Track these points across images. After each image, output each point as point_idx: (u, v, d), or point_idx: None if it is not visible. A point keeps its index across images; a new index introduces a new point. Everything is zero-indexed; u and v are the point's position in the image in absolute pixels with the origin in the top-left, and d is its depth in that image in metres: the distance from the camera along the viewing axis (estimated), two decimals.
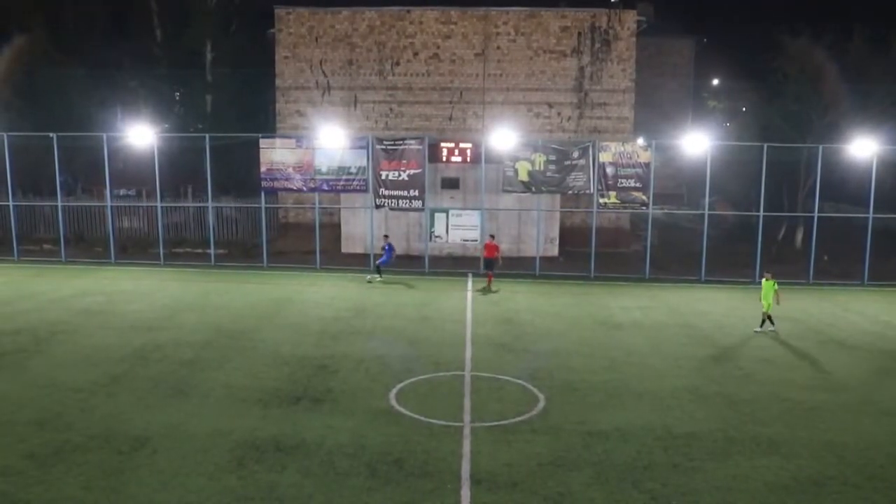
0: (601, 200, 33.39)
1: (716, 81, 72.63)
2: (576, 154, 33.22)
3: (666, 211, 41.03)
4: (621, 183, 33.12)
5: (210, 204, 35.24)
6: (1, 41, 43.85)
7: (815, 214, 33.09)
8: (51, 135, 34.47)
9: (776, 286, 23.91)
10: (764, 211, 33.02)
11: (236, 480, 13.34)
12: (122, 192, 42.00)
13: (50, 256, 35.70)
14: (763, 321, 24.15)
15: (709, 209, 33.74)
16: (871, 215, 32.73)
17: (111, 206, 35.90)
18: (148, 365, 19.85)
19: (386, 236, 32.94)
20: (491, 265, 30.75)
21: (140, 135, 35.23)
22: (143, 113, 42.95)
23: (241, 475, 13.53)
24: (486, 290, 29.95)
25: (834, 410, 17.40)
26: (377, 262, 31.60)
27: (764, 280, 24.47)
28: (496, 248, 30.92)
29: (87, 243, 37.36)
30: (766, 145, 32.82)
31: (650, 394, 18.13)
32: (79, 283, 30.33)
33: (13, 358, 20.43)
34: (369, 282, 30.80)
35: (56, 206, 35.80)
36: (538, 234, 34.46)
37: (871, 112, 36.98)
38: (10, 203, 35.79)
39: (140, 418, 16.09)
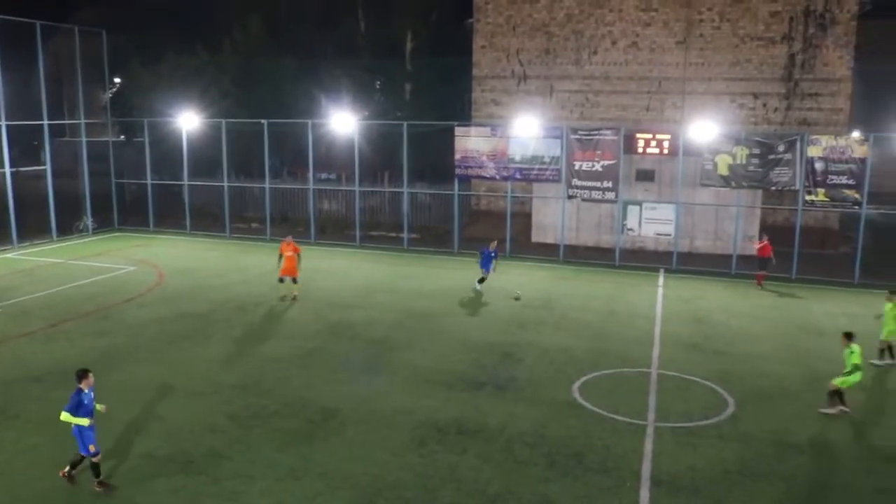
0: (808, 198, 31.27)
1: None
2: (781, 147, 31.29)
3: (882, 211, 37.87)
4: (831, 179, 30.85)
5: (405, 189, 36.27)
6: (222, 35, 47.32)
7: None
8: (262, 121, 36.82)
9: None
10: None
11: (417, 458, 13.69)
12: (324, 175, 44.14)
13: (257, 234, 38.25)
14: (882, 352, 19.93)
15: None
16: None
17: (313, 189, 37.89)
18: (340, 341, 20.80)
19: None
20: (765, 265, 29.44)
21: (342, 122, 36.87)
22: (346, 101, 44.84)
23: (422, 454, 13.87)
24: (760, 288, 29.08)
25: None
26: (484, 268, 27.04)
27: (887, 302, 20.09)
28: (769, 248, 29.54)
29: (290, 223, 39.59)
30: None
31: (853, 408, 16.73)
32: None
33: (222, 325, 22.10)
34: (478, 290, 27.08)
35: (264, 188, 38.27)
36: (736, 231, 32.84)
37: None
38: (225, 184, 38.65)
39: (331, 391, 16.90)
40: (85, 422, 12.30)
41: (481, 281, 27.03)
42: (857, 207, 31.15)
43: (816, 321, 24.36)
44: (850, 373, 16.34)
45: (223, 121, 38.21)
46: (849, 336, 16.74)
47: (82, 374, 12.57)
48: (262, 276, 28.69)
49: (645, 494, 12.62)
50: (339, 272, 30.25)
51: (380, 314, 23.73)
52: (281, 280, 25.38)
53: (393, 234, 37.94)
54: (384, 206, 40.84)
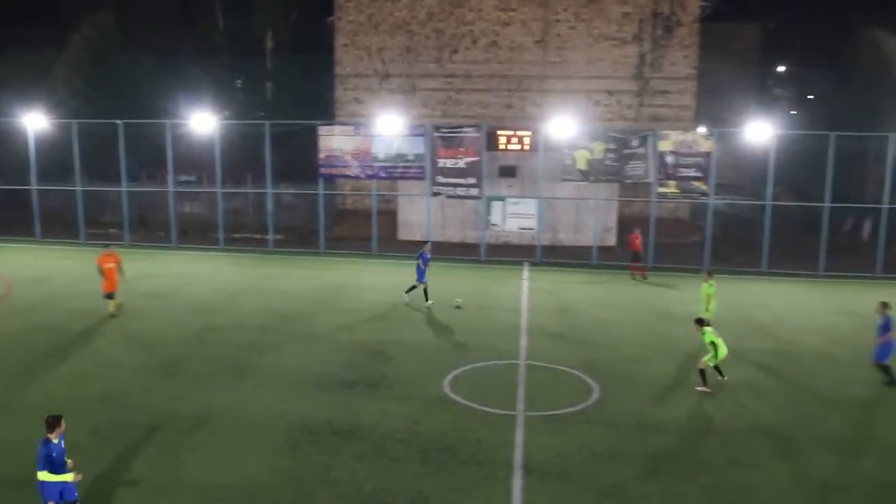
0: (660, 190, 32.87)
1: (782, 68, 70.70)
2: (635, 143, 32.72)
3: (727, 201, 40.17)
4: (681, 172, 32.53)
5: (269, 190, 35.64)
6: (71, 30, 45.01)
7: (885, 206, 32.04)
8: (117, 122, 35.27)
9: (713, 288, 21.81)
10: (830, 202, 32.09)
11: (291, 462, 13.53)
12: (185, 177, 42.71)
13: (114, 240, 36.49)
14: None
15: (772, 199, 32.87)
16: None
17: (173, 192, 36.61)
18: (207, 347, 20.24)
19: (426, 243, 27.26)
20: (638, 257, 30.48)
21: (202, 122, 35.80)
22: (205, 100, 43.58)
23: (295, 457, 13.71)
24: (639, 280, 30.07)
25: None
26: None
27: (704, 283, 22.12)
28: (640, 240, 30.66)
29: (150, 228, 38.15)
30: (833, 134, 31.85)
31: (696, 383, 17.73)
32: (141, 266, 30.93)
33: (80, 337, 21.04)
34: (407, 304, 25.06)
35: (121, 192, 36.65)
36: (596, 224, 34.09)
37: None
38: (78, 188, 36.72)
39: (199, 399, 16.43)
40: (69, 477, 10.72)
41: (411, 289, 25.12)
42: (705, 198, 32.98)
43: (671, 307, 25.64)
44: (714, 352, 17.40)
45: (74, 121, 36.31)
46: (700, 322, 17.93)
47: (54, 422, 10.72)
48: (122, 283, 27.43)
49: (518, 483, 12.92)
50: (204, 276, 29.42)
51: (247, 317, 23.25)
52: (109, 296, 23.13)
53: (258, 236, 37.21)
54: (248, 207, 39.99)
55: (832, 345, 21.77)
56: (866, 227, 38.30)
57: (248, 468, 13.29)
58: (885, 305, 18.41)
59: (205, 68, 48.04)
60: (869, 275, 31.30)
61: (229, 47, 48.85)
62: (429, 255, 25.48)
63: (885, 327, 18.17)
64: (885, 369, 18.19)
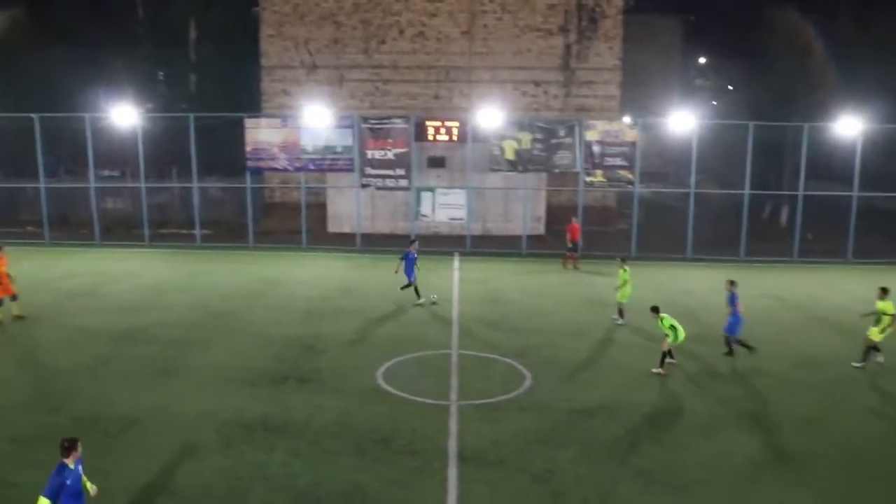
0: (587, 179, 33.42)
1: (703, 60, 72.49)
2: (562, 132, 33.16)
3: (653, 190, 41.08)
4: (608, 161, 33.13)
5: (195, 184, 34.99)
6: None
7: (801, 192, 33.24)
8: (32, 116, 34.11)
9: (627, 273, 22.50)
10: (750, 189, 33.11)
11: (225, 460, 13.37)
12: (107, 173, 41.61)
13: (34, 239, 35.42)
14: (621, 312, 22.57)
15: (695, 187, 33.74)
16: (855, 193, 32.87)
17: (95, 188, 35.62)
18: (135, 346, 19.81)
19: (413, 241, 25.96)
20: (576, 247, 30.80)
21: (123, 115, 34.90)
22: (127, 93, 42.45)
23: (229, 455, 13.56)
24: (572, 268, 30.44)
25: (817, 386, 17.57)
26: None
27: (620, 268, 22.79)
28: (579, 229, 30.90)
29: (72, 225, 37.09)
30: (751, 123, 32.85)
31: (636, 371, 18.24)
32: (64, 264, 30.15)
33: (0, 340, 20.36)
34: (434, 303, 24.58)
35: (39, 188, 35.48)
36: (525, 213, 34.46)
37: (857, 90, 37.02)
38: None
39: (127, 400, 16.07)
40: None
41: (406, 287, 24.45)
42: (630, 187, 33.65)
43: (600, 294, 26.12)
44: (674, 335, 18.05)
45: None
46: (655, 310, 18.46)
47: (70, 446, 9.73)
48: (44, 282, 26.68)
49: (453, 471, 13.03)
50: (129, 274, 28.75)
51: (175, 315, 22.83)
52: (13, 298, 21.89)
53: (185, 231, 36.56)
54: (174, 202, 39.19)
55: (754, 327, 22.44)
56: (784, 214, 39.67)
57: (181, 468, 13.08)
58: (731, 283, 19.75)
59: (126, 60, 46.80)
60: (787, 259, 32.47)
61: (151, 38, 47.69)
62: (415, 255, 24.69)
63: (732, 302, 19.49)
64: (737, 342, 19.46)
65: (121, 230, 36.66)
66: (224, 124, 35.83)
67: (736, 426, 15.16)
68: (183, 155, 36.12)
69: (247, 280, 27.81)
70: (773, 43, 40.93)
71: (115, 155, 40.26)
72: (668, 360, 18.24)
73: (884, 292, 18.73)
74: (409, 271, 24.38)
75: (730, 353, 19.49)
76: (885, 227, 34.38)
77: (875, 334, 18.61)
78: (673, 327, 18.12)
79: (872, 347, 18.74)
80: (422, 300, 24.34)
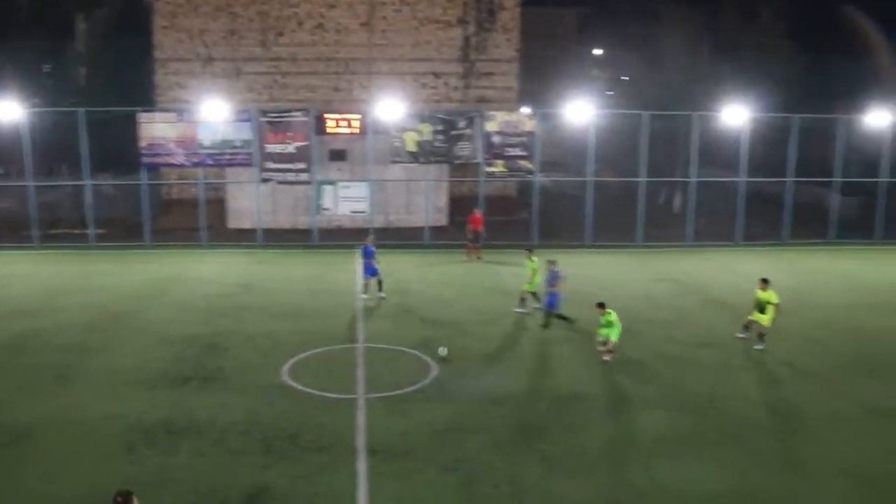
0: (488, 169, 33.80)
1: (598, 51, 74.14)
2: (462, 124, 33.44)
3: (552, 179, 41.81)
4: (508, 152, 33.58)
5: (87, 181, 33.71)
6: None
7: (693, 179, 34.51)
8: None
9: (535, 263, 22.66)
10: (646, 177, 34.14)
11: (128, 466, 13.05)
12: None
13: None
14: (523, 300, 22.79)
15: (593, 176, 34.56)
16: (743, 179, 34.34)
17: None
18: (27, 352, 19.07)
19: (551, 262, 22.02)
20: (477, 237, 30.86)
21: (6, 110, 33.31)
22: (10, 87, 40.53)
23: (132, 460, 13.24)
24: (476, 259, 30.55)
25: (714, 366, 18.36)
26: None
27: (527, 259, 22.95)
28: (481, 220, 30.99)
29: None
30: (644, 113, 33.87)
31: (541, 358, 18.69)
32: None
33: None
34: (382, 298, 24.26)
35: None
36: (427, 204, 34.63)
37: (742, 81, 38.57)
38: None
39: (22, 408, 15.47)
40: None
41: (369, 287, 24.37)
42: (530, 176, 34.24)
43: (504, 283, 26.52)
44: (610, 329, 18.47)
45: None
46: (601, 305, 18.73)
47: (124, 501, 8.75)
48: None
49: (362, 465, 13.07)
50: (18, 277, 27.53)
51: (70, 318, 22.03)
52: None
53: (77, 231, 35.17)
54: (64, 201, 37.70)
55: (654, 309, 23.30)
56: (677, 200, 41.04)
57: (82, 477, 12.68)
58: (551, 262, 21.33)
59: (8, 52, 44.65)
60: (681, 243, 33.67)
61: (35, 28, 45.60)
62: (373, 248, 24.58)
63: (552, 280, 21.04)
64: (557, 317, 20.99)
65: (7, 232, 35.02)
66: (116, 119, 34.63)
67: (639, 407, 15.72)
68: (73, 151, 34.73)
69: (145, 279, 27.05)
70: (663, 35, 42.22)
71: None
72: (603, 358, 18.38)
73: (765, 283, 19.68)
74: (367, 268, 24.31)
75: (546, 325, 20.83)
76: (770, 211, 36.00)
77: (765, 321, 19.47)
78: (611, 323, 18.44)
79: (762, 334, 19.57)
80: (367, 294, 24.33)
